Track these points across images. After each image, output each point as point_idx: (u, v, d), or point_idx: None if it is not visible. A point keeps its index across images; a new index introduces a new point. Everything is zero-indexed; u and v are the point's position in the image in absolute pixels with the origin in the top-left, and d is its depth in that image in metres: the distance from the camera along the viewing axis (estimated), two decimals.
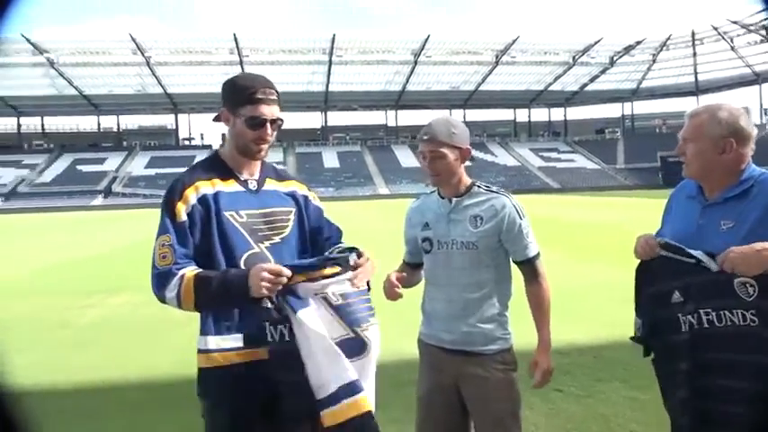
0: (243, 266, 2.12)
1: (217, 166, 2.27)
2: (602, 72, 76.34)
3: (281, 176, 2.41)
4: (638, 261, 2.29)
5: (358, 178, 68.10)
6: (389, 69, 72.38)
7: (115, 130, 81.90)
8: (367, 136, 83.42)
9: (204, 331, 2.15)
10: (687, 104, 66.57)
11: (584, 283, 9.31)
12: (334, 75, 71.08)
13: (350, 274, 2.11)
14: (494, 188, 2.59)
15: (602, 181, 66.75)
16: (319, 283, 2.06)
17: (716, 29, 66.78)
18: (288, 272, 2.00)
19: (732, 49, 68.60)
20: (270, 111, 2.21)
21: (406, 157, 71.57)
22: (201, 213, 2.14)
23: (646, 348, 2.32)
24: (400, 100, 79.56)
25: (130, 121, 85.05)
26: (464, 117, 72.71)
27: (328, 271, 2.08)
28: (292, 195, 2.36)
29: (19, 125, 77.57)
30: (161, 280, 2.06)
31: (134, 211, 44.29)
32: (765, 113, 71.27)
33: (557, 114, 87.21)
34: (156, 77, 69.03)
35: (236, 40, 62.88)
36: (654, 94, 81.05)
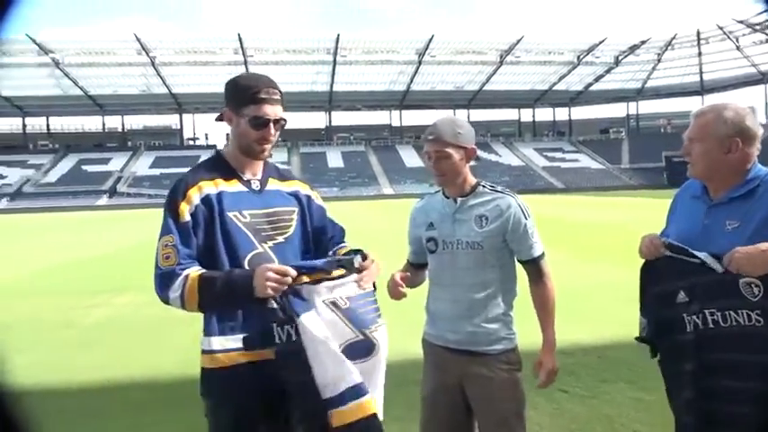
0: (247, 267, 2.12)
1: (220, 166, 2.27)
2: (607, 72, 76.20)
3: (283, 176, 2.40)
4: (643, 261, 2.29)
5: (362, 178, 68.11)
6: (394, 69, 72.37)
7: (120, 130, 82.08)
8: (371, 136, 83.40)
9: (208, 332, 2.15)
10: (692, 104, 66.49)
11: (589, 284, 9.30)
12: (338, 75, 71.08)
13: (355, 276, 2.11)
14: (499, 188, 2.59)
15: (607, 181, 66.61)
16: (326, 287, 2.06)
17: (721, 28, 66.58)
18: (293, 272, 2.00)
19: (737, 48, 68.39)
20: (273, 111, 2.20)
21: (411, 157, 71.51)
22: (205, 214, 2.14)
23: (652, 349, 2.31)
24: (404, 100, 79.51)
25: (135, 122, 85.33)
26: (468, 117, 72.46)
27: (333, 273, 2.08)
28: (295, 195, 2.36)
29: (24, 125, 77.83)
30: (164, 280, 2.06)
31: (139, 211, 44.37)
32: None
33: (561, 114, 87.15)
34: (160, 77, 69.18)
35: (240, 40, 62.98)
36: (659, 93, 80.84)
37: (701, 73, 74.43)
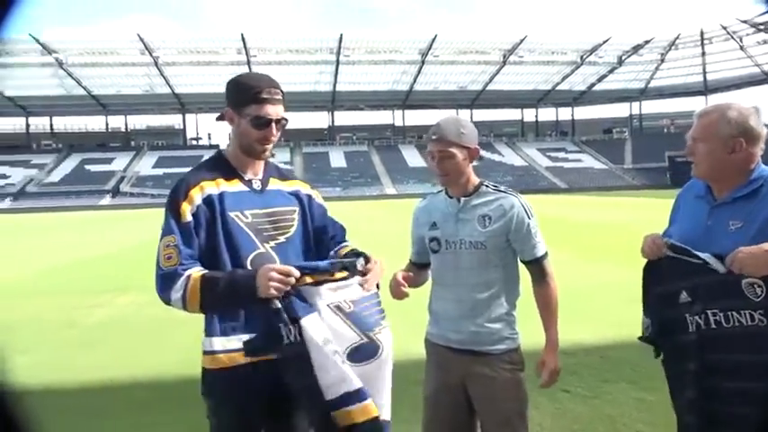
0: (249, 267, 2.11)
1: (221, 165, 2.26)
2: (611, 71, 76.02)
3: (284, 176, 2.40)
4: (646, 261, 2.29)
5: (365, 178, 68.10)
6: (397, 69, 72.30)
7: (123, 130, 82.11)
8: (374, 136, 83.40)
9: (209, 332, 2.15)
10: (696, 104, 66.26)
11: (592, 283, 9.29)
12: (341, 74, 71.04)
13: (358, 279, 2.10)
14: (502, 188, 2.59)
15: (610, 181, 66.50)
16: (329, 289, 2.05)
17: (725, 28, 66.42)
18: (296, 272, 1.99)
19: (741, 48, 68.19)
20: (275, 110, 2.20)
21: (413, 157, 71.48)
22: (206, 214, 2.13)
23: (656, 349, 2.31)
24: (407, 100, 79.46)
25: (138, 121, 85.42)
26: (471, 117, 72.34)
27: (336, 275, 2.08)
28: (296, 195, 2.36)
29: (28, 125, 77.90)
30: (166, 281, 2.04)
31: (142, 210, 44.42)
32: None
33: (564, 114, 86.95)
34: (163, 77, 69.21)
35: (243, 40, 62.98)
36: (662, 93, 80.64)
37: (704, 73, 74.24)
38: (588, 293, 8.38)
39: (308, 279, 2.03)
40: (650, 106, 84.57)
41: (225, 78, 2.30)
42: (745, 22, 63.60)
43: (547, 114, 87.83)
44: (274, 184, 2.33)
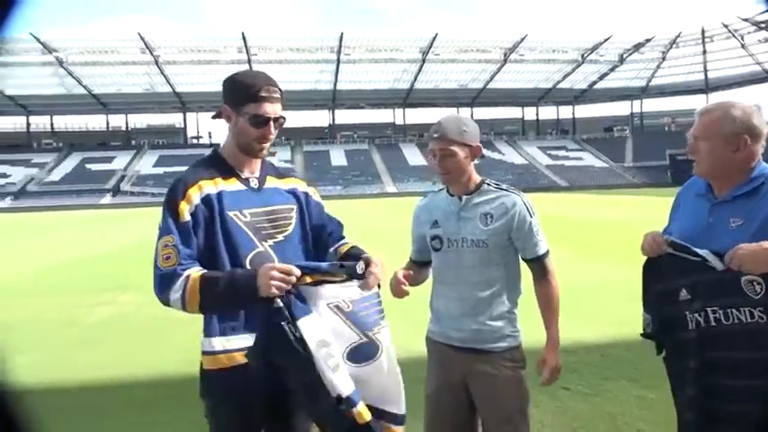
0: (248, 266, 2.10)
1: (218, 164, 2.25)
2: (612, 70, 75.91)
3: (280, 174, 2.40)
4: (646, 258, 2.29)
5: (366, 176, 68.04)
6: (397, 68, 72.21)
7: (124, 128, 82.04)
8: (375, 134, 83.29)
9: (209, 333, 2.13)
10: (697, 102, 66.21)
11: (592, 282, 9.29)
12: (342, 73, 70.95)
13: (357, 282, 2.09)
14: (504, 186, 2.59)
15: (611, 179, 66.43)
16: (328, 289, 2.05)
17: (726, 26, 66.32)
18: (297, 271, 1.98)
19: (742, 46, 68.09)
20: (273, 109, 2.19)
21: (414, 156, 71.46)
22: (205, 213, 2.11)
23: (658, 345, 2.31)
24: (408, 98, 79.35)
25: (139, 120, 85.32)
26: (472, 115, 72.18)
27: (336, 277, 2.07)
28: (293, 193, 2.36)
29: (28, 124, 77.82)
30: (165, 281, 2.02)
31: (142, 209, 44.41)
32: None
33: (565, 112, 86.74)
34: (164, 76, 69.14)
35: (244, 38, 62.92)
36: (663, 91, 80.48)
37: (705, 71, 74.12)
38: (589, 291, 8.38)
39: (308, 279, 2.02)
40: (651, 104, 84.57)
41: (225, 77, 2.29)
42: (746, 20, 63.49)
43: (548, 113, 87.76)
44: (271, 182, 2.32)
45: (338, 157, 73.78)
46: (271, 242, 2.19)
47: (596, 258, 11.97)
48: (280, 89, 2.23)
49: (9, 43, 49.79)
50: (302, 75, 69.27)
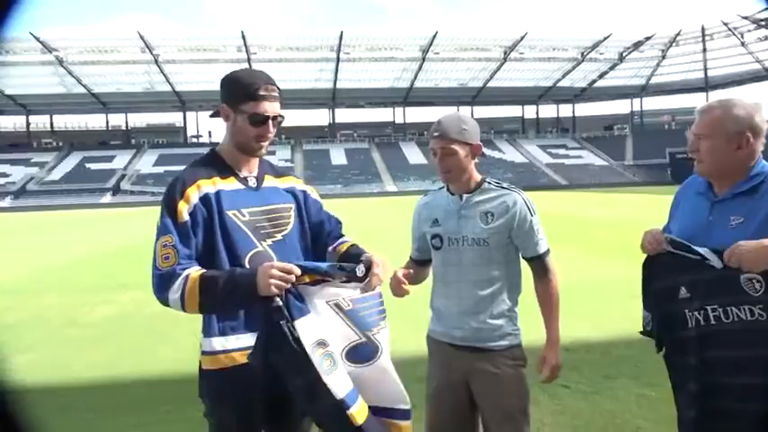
0: (247, 265, 2.09)
1: (216, 163, 2.24)
2: (611, 68, 75.84)
3: (278, 172, 2.39)
4: (645, 256, 2.28)
5: (365, 175, 67.97)
6: (397, 66, 72.13)
7: (123, 128, 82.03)
8: (374, 133, 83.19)
9: (208, 333, 2.13)
10: (697, 101, 66.19)
11: (592, 280, 9.29)
12: (341, 72, 70.86)
13: (356, 284, 2.09)
14: (504, 184, 2.59)
15: (611, 177, 66.37)
16: (328, 288, 2.04)
17: (726, 24, 66.24)
18: (297, 270, 1.97)
19: (742, 44, 68.03)
20: (272, 107, 2.18)
21: (414, 154, 71.42)
22: (204, 213, 2.10)
23: (657, 343, 2.31)
24: (408, 97, 79.26)
25: (139, 119, 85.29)
26: (472, 113, 72.05)
27: (336, 279, 2.06)
28: (291, 191, 2.35)
29: (28, 123, 77.75)
30: (164, 282, 2.00)
31: (142, 208, 44.41)
32: None
33: (565, 111, 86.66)
34: (164, 75, 69.08)
35: (243, 37, 62.84)
36: (663, 90, 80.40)
37: (705, 69, 74.07)
38: (588, 290, 8.39)
39: (307, 278, 2.01)
40: (651, 103, 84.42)
41: None
42: (746, 18, 63.43)
43: (547, 111, 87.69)
44: (269, 181, 2.31)
45: (338, 155, 73.70)
46: (269, 241, 2.19)
47: (596, 256, 11.97)
48: (278, 88, 2.22)
49: (8, 43, 49.77)
50: (302, 73, 69.18)
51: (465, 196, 2.54)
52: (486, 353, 2.50)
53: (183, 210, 2.07)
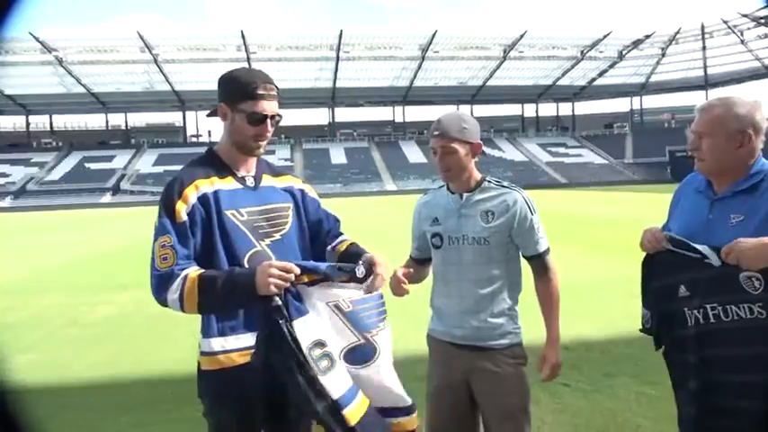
0: (246, 265, 2.09)
1: (213, 163, 2.23)
2: (611, 66, 75.80)
3: (276, 172, 2.38)
4: (645, 254, 2.28)
5: (365, 174, 67.95)
6: (397, 65, 72.09)
7: (123, 127, 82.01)
8: (374, 132, 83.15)
9: (207, 333, 2.12)
10: (696, 99, 66.13)
11: (592, 278, 9.30)
12: (341, 71, 70.80)
13: (354, 285, 2.08)
14: (505, 183, 2.59)
15: (611, 176, 66.35)
16: (328, 288, 2.04)
17: (726, 22, 66.18)
18: (297, 269, 1.97)
19: (742, 42, 68.00)
20: (270, 106, 2.17)
21: (414, 153, 71.39)
22: (202, 213, 2.09)
23: (656, 340, 2.31)
24: (408, 96, 79.23)
25: (138, 119, 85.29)
26: (472, 112, 71.86)
27: (335, 280, 2.06)
28: (289, 190, 2.34)
29: (28, 123, 77.72)
30: (162, 282, 2.00)
31: (142, 208, 44.41)
32: None
33: (565, 109, 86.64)
34: (163, 75, 69.04)
35: (243, 36, 62.79)
36: (663, 88, 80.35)
37: (705, 67, 74.02)
38: (588, 288, 8.39)
39: (306, 279, 2.01)
40: (651, 101, 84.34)
41: None
42: (745, 16, 63.39)
43: (547, 109, 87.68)
44: (267, 180, 2.30)
45: (338, 155, 73.66)
46: (268, 241, 2.18)
47: (596, 255, 11.97)
48: (276, 87, 2.21)
49: (8, 43, 49.75)
50: (301, 73, 69.12)
51: (465, 195, 2.54)
52: (487, 351, 2.50)
53: (182, 210, 2.07)
